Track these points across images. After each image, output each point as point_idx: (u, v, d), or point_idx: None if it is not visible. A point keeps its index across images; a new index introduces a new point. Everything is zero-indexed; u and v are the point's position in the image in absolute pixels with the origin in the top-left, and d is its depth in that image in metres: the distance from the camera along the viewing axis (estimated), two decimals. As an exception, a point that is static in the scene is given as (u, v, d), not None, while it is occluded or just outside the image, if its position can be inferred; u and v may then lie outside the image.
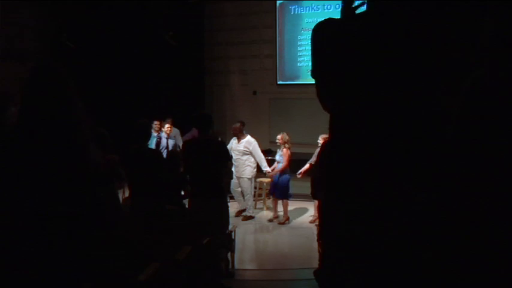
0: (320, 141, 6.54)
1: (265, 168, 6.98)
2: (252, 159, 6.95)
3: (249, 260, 5.69)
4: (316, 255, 4.59)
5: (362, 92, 1.21)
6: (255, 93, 10.79)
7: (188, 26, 10.02)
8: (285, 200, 6.91)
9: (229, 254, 4.89)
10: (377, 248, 1.18)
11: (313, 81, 1.46)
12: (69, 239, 1.45)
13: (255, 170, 7.12)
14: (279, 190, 6.87)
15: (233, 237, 4.98)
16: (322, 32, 1.28)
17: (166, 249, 2.77)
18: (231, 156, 4.89)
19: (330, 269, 1.38)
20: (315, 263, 4.52)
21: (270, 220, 7.07)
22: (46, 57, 7.82)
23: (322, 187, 4.39)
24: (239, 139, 7.00)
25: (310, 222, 6.89)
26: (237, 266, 5.09)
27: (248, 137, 7.00)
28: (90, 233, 1.53)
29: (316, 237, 4.47)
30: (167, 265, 2.66)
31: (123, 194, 5.53)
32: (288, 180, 6.90)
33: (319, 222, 4.69)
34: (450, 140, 1.11)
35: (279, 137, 6.96)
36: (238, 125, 7.11)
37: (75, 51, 8.71)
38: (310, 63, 1.35)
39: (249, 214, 7.18)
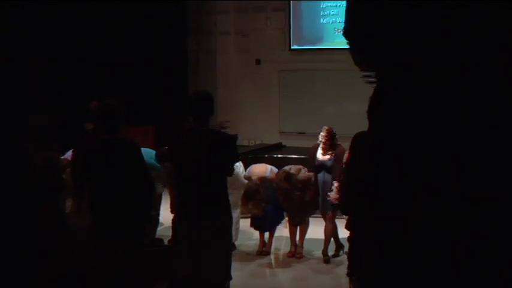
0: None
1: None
2: (239, 164, 6.84)
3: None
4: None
5: (419, 68, 1.23)
6: (258, 62, 10.77)
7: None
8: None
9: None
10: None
11: (343, 46, 1.46)
12: None
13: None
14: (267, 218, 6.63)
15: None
16: None
17: (135, 285, 2.77)
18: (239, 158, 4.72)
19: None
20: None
21: (260, 252, 7.02)
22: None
23: (352, 199, 4.32)
24: None
25: (325, 261, 6.81)
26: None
27: None
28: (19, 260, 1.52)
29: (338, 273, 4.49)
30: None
31: (71, 206, 5.61)
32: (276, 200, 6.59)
33: (349, 252, 4.60)
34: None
35: None
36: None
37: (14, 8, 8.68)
38: (339, 19, 1.37)
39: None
